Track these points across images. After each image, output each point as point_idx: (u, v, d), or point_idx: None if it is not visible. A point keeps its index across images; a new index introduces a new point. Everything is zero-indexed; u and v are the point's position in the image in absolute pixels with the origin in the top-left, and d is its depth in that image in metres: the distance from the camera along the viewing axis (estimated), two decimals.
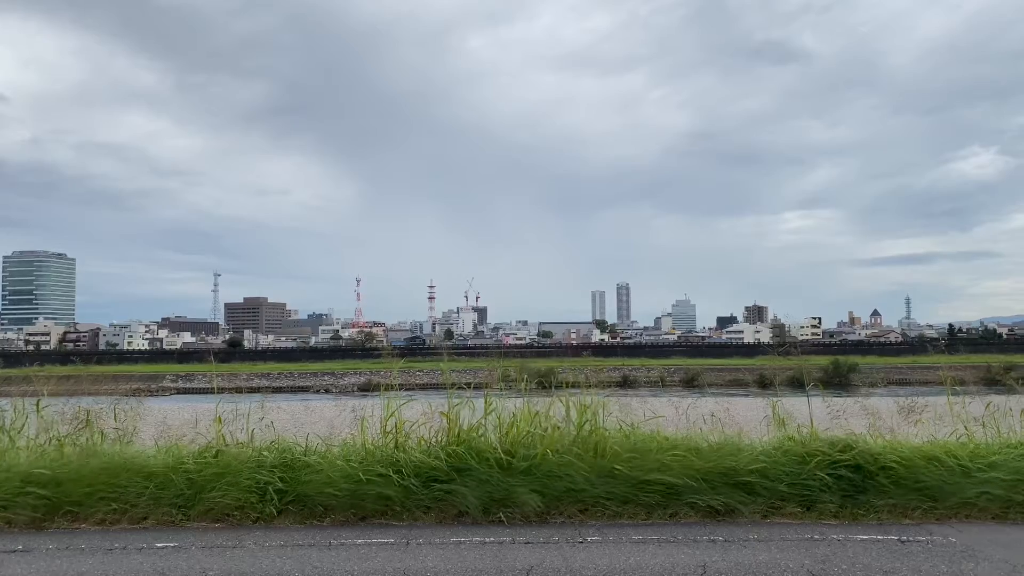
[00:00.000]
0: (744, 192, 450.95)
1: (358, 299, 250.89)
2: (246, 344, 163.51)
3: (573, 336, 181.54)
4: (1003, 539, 6.41)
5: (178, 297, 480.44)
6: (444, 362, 9.94)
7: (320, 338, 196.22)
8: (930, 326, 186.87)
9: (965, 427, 8.54)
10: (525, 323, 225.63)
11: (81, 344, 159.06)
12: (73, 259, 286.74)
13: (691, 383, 64.38)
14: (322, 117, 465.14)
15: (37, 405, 8.72)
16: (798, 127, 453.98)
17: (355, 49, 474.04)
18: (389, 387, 8.77)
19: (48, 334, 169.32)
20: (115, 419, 8.66)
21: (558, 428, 7.94)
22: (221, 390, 9.56)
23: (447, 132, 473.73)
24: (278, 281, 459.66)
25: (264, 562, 5.89)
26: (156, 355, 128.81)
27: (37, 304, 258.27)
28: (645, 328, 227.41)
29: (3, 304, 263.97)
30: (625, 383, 55.83)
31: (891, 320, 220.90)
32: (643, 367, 75.95)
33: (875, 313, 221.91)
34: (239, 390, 10.61)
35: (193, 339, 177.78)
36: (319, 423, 9.00)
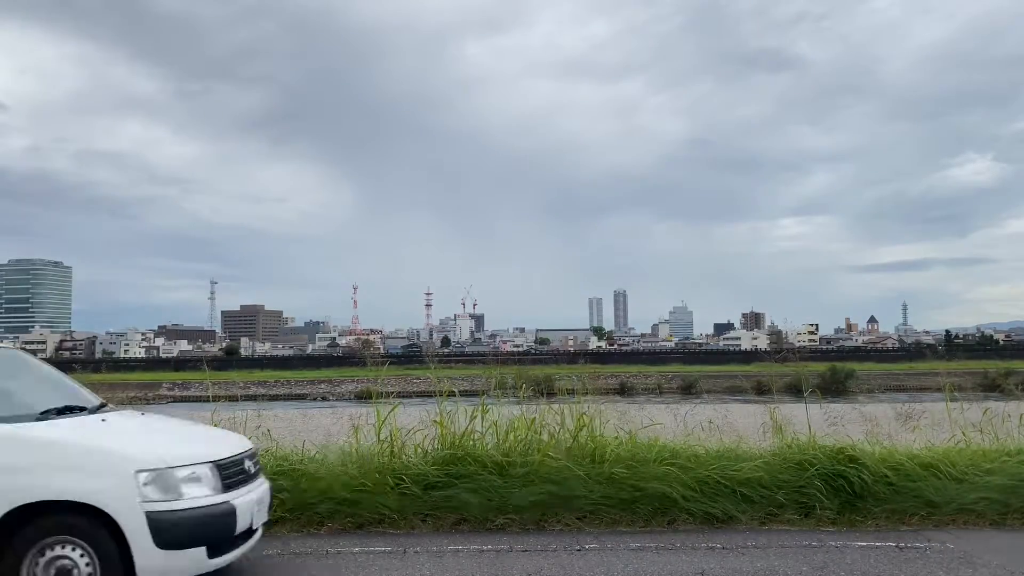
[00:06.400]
0: (741, 198, 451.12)
1: (355, 306, 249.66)
2: (243, 352, 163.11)
3: (570, 343, 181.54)
4: (1001, 545, 6.42)
5: (175, 305, 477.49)
6: (432, 369, 9.94)
7: (317, 345, 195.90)
8: (927, 332, 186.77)
9: (963, 433, 8.54)
10: (522, 330, 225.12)
11: (77, 352, 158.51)
12: (69, 267, 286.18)
13: (689, 390, 64.30)
14: (320, 124, 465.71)
15: None
16: (795, 134, 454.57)
17: (353, 56, 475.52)
18: (385, 394, 8.76)
19: (44, 342, 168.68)
20: None
21: (555, 435, 7.92)
22: (217, 398, 9.54)
23: (445, 139, 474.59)
24: (275, 288, 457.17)
25: (260, 571, 5.86)
26: (153, 363, 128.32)
27: (33, 312, 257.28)
28: (642, 335, 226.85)
29: None
30: (623, 390, 55.80)
31: (888, 326, 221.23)
32: (640, 374, 75.76)
33: (872, 319, 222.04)
34: (235, 398, 10.58)
35: (190, 347, 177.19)
36: (316, 431, 8.99)
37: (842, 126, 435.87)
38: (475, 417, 8.02)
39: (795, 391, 10.47)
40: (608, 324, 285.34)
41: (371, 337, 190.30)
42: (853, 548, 6.30)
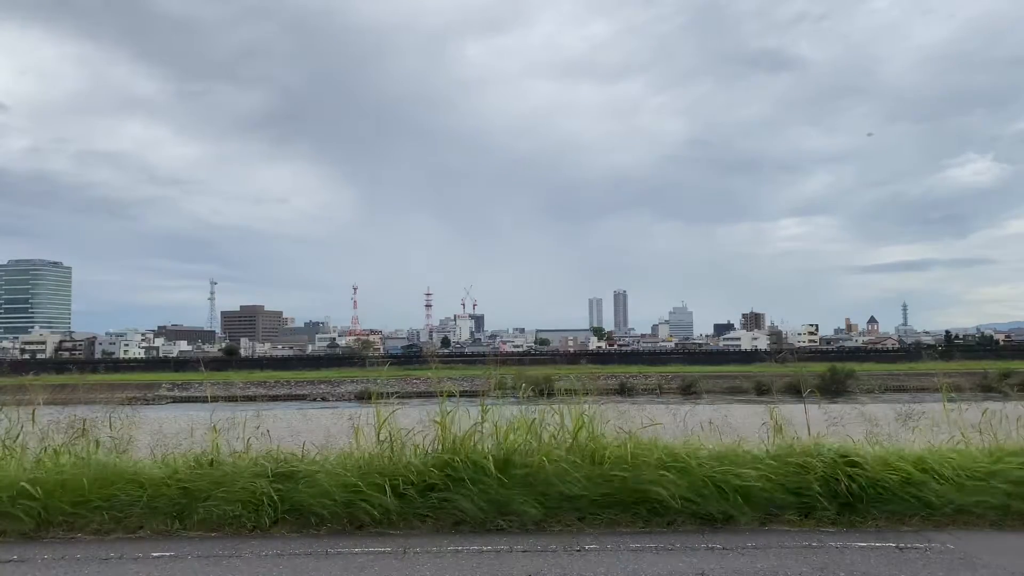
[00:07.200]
0: (742, 199, 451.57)
1: (355, 307, 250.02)
2: (242, 352, 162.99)
3: (570, 343, 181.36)
4: (1001, 546, 6.42)
5: (174, 305, 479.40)
6: (433, 369, 9.94)
7: (317, 346, 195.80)
8: (927, 333, 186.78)
9: (962, 434, 8.55)
10: (522, 330, 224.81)
11: (77, 353, 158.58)
12: (69, 267, 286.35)
13: (689, 390, 64.39)
14: (321, 125, 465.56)
15: (32, 414, 8.69)
16: (795, 134, 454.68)
17: (354, 57, 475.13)
18: (384, 395, 8.76)
19: (44, 343, 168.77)
20: (111, 428, 8.64)
21: (555, 436, 7.92)
22: (217, 399, 9.53)
23: (446, 139, 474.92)
24: (275, 289, 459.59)
25: (260, 571, 5.86)
26: (152, 364, 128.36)
27: (33, 312, 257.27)
28: (642, 335, 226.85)
29: None
30: (623, 390, 55.90)
31: (888, 327, 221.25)
32: (640, 374, 75.87)
33: (872, 320, 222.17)
34: (235, 399, 10.58)
35: (189, 348, 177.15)
36: (316, 432, 8.99)
37: (842, 127, 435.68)
38: (476, 421, 8.01)
39: (795, 392, 10.46)
40: (608, 324, 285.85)
41: (371, 338, 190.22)
42: (853, 549, 6.29)
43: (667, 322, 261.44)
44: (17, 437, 8.33)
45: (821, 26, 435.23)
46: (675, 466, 7.21)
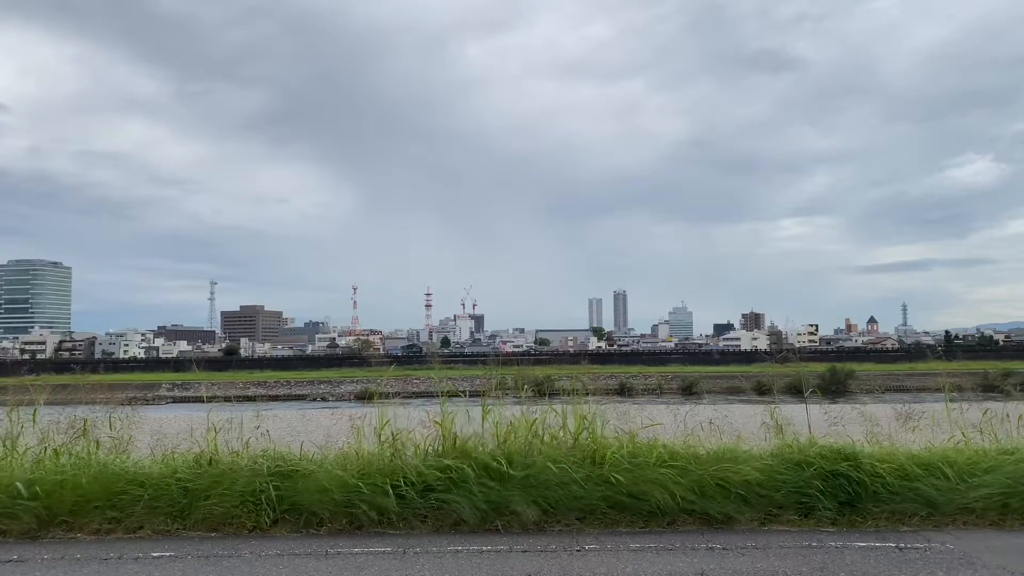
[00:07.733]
0: (741, 199, 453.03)
1: (355, 307, 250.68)
2: (242, 352, 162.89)
3: (570, 343, 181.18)
4: (1001, 546, 6.41)
5: (174, 306, 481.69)
6: (435, 369, 9.94)
7: (317, 346, 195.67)
8: (927, 333, 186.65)
9: (963, 433, 8.55)
10: (522, 331, 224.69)
11: (77, 353, 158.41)
12: (69, 267, 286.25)
13: (689, 390, 64.33)
14: (321, 125, 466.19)
15: (33, 414, 8.69)
16: (795, 135, 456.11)
17: (354, 57, 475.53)
18: (385, 395, 8.75)
19: (44, 343, 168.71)
20: (111, 428, 8.63)
21: (555, 436, 7.92)
22: (216, 399, 9.52)
23: (446, 140, 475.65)
24: (275, 289, 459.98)
25: (260, 571, 5.86)
26: (152, 364, 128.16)
27: (33, 313, 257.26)
28: (642, 335, 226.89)
29: None
30: (623, 391, 55.81)
31: (887, 327, 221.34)
32: (640, 374, 75.76)
33: (872, 320, 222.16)
34: (234, 399, 10.56)
35: (189, 348, 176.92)
36: (316, 432, 8.98)
37: (842, 127, 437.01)
38: (477, 421, 8.00)
39: (795, 392, 10.46)
40: (608, 324, 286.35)
41: (371, 338, 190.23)
42: (853, 549, 6.30)
43: (667, 322, 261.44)
44: (17, 437, 8.33)
45: (821, 26, 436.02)
46: (675, 466, 7.21)
